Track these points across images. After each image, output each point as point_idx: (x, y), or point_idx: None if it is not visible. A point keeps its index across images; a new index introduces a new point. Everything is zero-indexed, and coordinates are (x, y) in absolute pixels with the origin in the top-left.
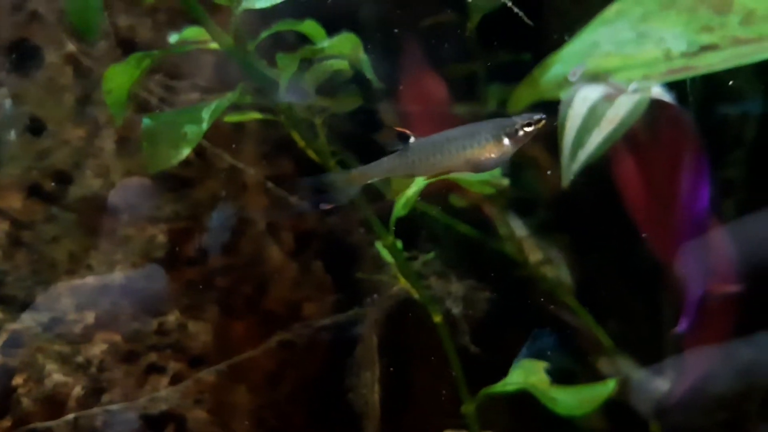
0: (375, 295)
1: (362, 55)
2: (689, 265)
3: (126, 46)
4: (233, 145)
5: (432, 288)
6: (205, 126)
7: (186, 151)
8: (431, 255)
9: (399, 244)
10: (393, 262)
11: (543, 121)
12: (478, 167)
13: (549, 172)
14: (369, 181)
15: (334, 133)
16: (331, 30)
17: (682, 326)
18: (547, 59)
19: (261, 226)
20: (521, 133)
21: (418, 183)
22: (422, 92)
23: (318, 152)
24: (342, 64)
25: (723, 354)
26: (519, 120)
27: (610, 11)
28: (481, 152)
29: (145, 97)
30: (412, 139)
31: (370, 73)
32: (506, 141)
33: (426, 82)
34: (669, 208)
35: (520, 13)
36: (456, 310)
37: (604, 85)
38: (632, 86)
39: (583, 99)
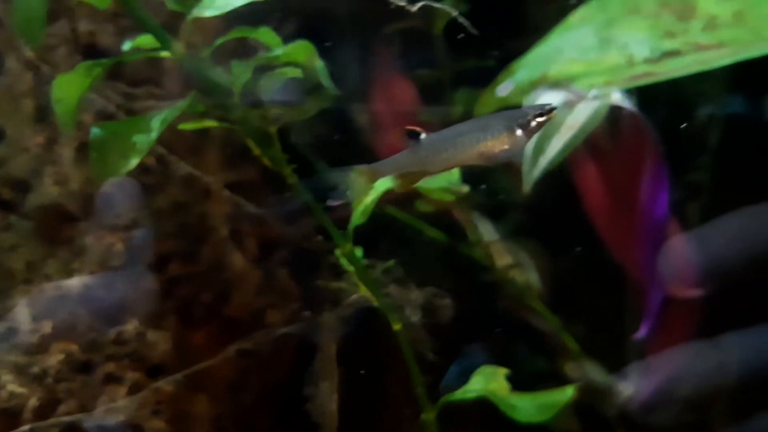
0: (335, 303)
1: (318, 63)
2: (649, 270)
3: (87, 52)
4: (196, 151)
5: (392, 296)
6: (154, 135)
7: (135, 161)
8: (391, 263)
9: (359, 251)
10: (352, 269)
11: (554, 111)
12: (491, 159)
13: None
14: (383, 178)
15: (308, 136)
16: (299, 35)
17: (642, 332)
18: (512, 65)
19: (224, 233)
20: (534, 123)
21: (377, 190)
22: (393, 96)
23: (273, 160)
24: (295, 72)
25: (687, 357)
26: (531, 110)
27: (575, 17)
28: (494, 144)
29: (104, 104)
30: (423, 135)
31: (326, 81)
32: (519, 132)
33: (396, 86)
34: (629, 214)
35: (466, 23)
36: (415, 318)
37: (564, 91)
38: (592, 93)
39: None
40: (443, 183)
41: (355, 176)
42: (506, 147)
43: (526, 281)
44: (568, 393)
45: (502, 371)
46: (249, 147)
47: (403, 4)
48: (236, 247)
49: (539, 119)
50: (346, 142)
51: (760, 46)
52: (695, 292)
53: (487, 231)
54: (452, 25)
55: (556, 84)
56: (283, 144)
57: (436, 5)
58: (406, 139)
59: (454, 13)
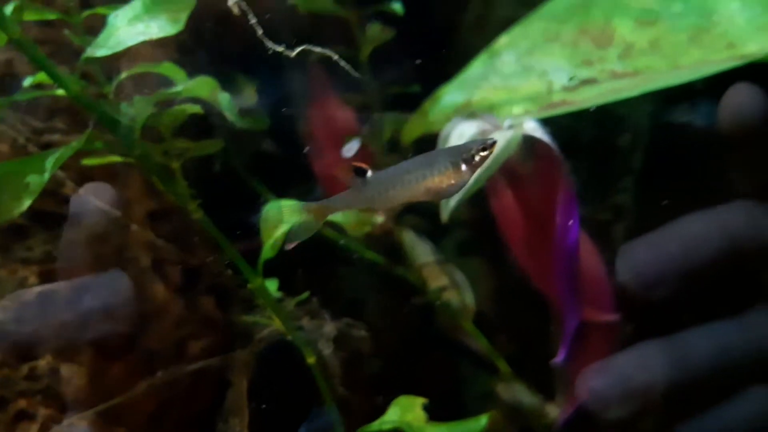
0: (247, 337)
1: (221, 97)
2: (564, 296)
3: (3, 81)
4: (118, 180)
5: (305, 329)
6: (47, 176)
7: (27, 203)
8: (305, 295)
9: (273, 284)
10: (265, 303)
11: (495, 144)
12: (438, 195)
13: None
14: (329, 216)
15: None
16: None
17: (559, 357)
18: (437, 91)
19: (145, 262)
20: (477, 158)
21: (287, 223)
22: (330, 119)
23: (177, 196)
24: (194, 108)
25: (608, 378)
26: (473, 145)
27: (499, 43)
28: (441, 180)
29: (14, 135)
30: (369, 173)
31: (232, 115)
32: (464, 167)
33: (334, 108)
34: (545, 242)
35: (347, 67)
36: (327, 351)
37: (479, 120)
38: (507, 122)
39: (459, 135)
40: (354, 216)
41: (304, 213)
42: (452, 182)
43: (462, 302)
44: (482, 422)
45: (419, 401)
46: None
47: (281, 49)
48: (158, 277)
49: (482, 153)
50: (287, 164)
51: (674, 75)
52: (612, 317)
53: (423, 252)
54: (380, 51)
55: (471, 114)
56: (223, 168)
57: (317, 49)
58: (352, 176)
59: (334, 56)
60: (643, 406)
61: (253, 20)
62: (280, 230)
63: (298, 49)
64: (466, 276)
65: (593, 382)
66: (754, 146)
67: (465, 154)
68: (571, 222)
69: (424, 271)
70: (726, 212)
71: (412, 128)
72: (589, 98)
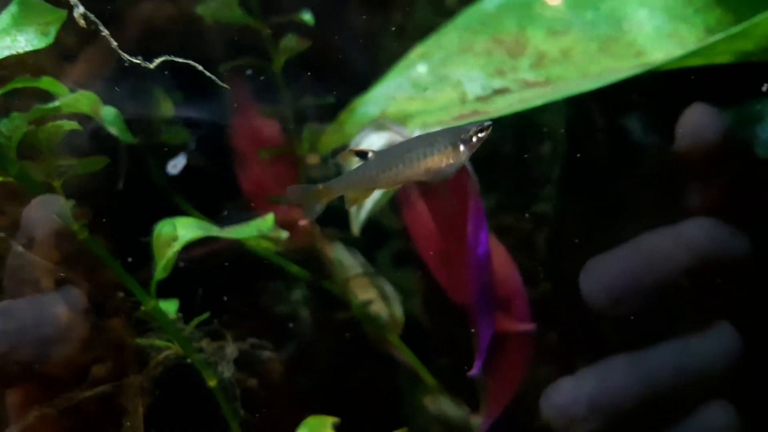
0: (143, 361)
1: (106, 111)
2: (478, 308)
3: None
4: (20, 198)
5: (205, 351)
6: None
7: None
8: (206, 315)
9: (173, 305)
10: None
11: (491, 127)
12: (437, 174)
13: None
14: (336, 196)
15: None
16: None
17: (475, 368)
18: (353, 102)
19: (47, 284)
20: (475, 139)
21: (180, 242)
22: (255, 131)
23: (60, 216)
24: (72, 125)
25: (572, 394)
26: (471, 127)
27: (414, 53)
28: (440, 159)
29: None
30: (370, 155)
31: (118, 130)
32: (462, 147)
33: (258, 120)
34: (457, 253)
35: (213, 77)
36: (228, 373)
37: (389, 131)
38: (416, 132)
39: (368, 146)
40: (253, 231)
41: (309, 195)
42: (451, 162)
43: (390, 315)
44: None
45: (329, 420)
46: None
47: (138, 61)
48: (62, 299)
49: (479, 135)
50: (212, 178)
51: (584, 83)
52: (528, 327)
53: (352, 265)
54: (295, 62)
55: (380, 125)
56: (143, 182)
57: (179, 60)
58: (353, 160)
59: (198, 67)
60: (607, 421)
61: (104, 32)
62: (173, 249)
63: (158, 61)
64: (401, 288)
65: (557, 399)
66: (712, 165)
67: (463, 135)
68: (480, 232)
69: (352, 284)
70: (687, 229)
71: (329, 139)
72: (501, 107)
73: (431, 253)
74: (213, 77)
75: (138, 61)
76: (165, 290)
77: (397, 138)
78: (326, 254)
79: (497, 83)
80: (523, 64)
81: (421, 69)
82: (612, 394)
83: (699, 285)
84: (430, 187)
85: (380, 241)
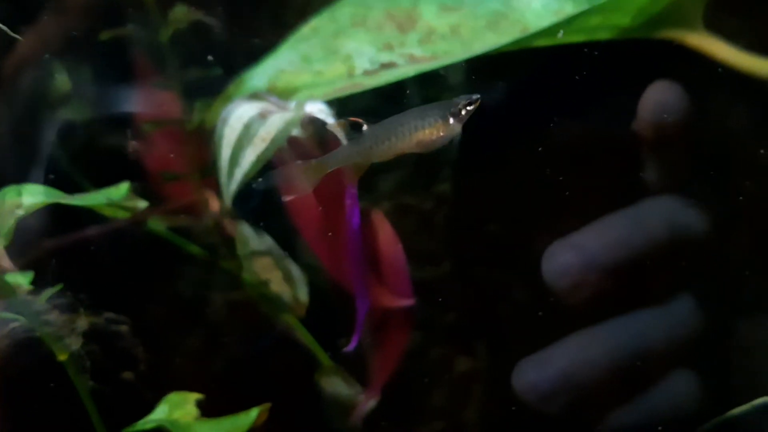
0: None
1: None
2: (355, 284)
3: None
4: None
5: (52, 323)
6: None
7: None
8: (60, 287)
9: (26, 278)
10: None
11: (479, 100)
12: (428, 146)
13: None
14: (328, 171)
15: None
16: None
17: (351, 345)
18: (243, 74)
19: None
20: (464, 112)
21: (26, 207)
22: (156, 106)
23: None
24: None
25: (546, 370)
26: (460, 101)
27: (307, 27)
28: (432, 132)
29: None
30: (365, 127)
31: None
32: (452, 120)
33: (158, 95)
34: (336, 229)
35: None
36: (76, 346)
37: (262, 101)
38: (292, 104)
39: (239, 116)
40: (102, 199)
41: (304, 170)
42: (441, 134)
43: (294, 296)
44: (252, 415)
45: (192, 397)
46: None
47: None
48: None
49: (468, 108)
50: (116, 157)
51: (460, 55)
52: (408, 302)
53: (257, 245)
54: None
55: (254, 95)
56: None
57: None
58: (349, 131)
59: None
60: (577, 395)
61: None
62: (16, 215)
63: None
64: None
65: (527, 376)
66: (673, 144)
67: (453, 108)
68: (354, 207)
69: (255, 264)
70: (647, 209)
71: (216, 111)
72: (387, 82)
73: (310, 227)
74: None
75: None
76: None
77: (271, 108)
78: (230, 234)
79: (385, 58)
80: (412, 40)
81: (313, 42)
82: (580, 368)
83: (659, 263)
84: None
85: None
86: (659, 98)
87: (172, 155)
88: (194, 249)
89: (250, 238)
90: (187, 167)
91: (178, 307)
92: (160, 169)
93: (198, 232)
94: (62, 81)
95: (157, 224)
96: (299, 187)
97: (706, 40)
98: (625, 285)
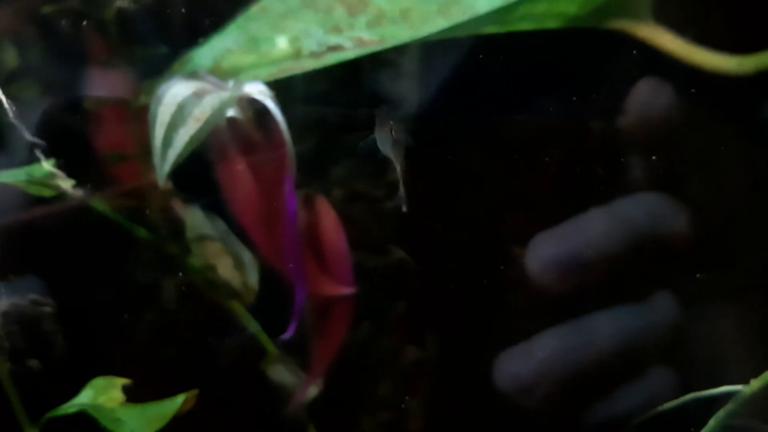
0: None
1: None
2: (293, 270)
3: None
4: None
5: None
6: None
7: None
8: None
9: None
10: None
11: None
12: None
13: None
14: None
15: None
16: None
17: (288, 332)
18: (188, 53)
19: None
20: None
21: None
22: (108, 84)
23: None
24: None
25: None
26: None
27: (256, 7)
28: None
29: None
30: None
31: None
32: None
33: (109, 73)
34: (274, 213)
35: None
36: None
37: (198, 80)
38: (230, 84)
39: (173, 95)
40: (23, 175)
41: None
42: None
43: (243, 283)
44: (177, 402)
45: (120, 381)
46: None
47: None
48: None
49: None
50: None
51: (402, 37)
52: (349, 290)
53: (207, 229)
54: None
55: (191, 74)
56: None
57: None
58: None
59: None
60: (558, 386)
61: None
62: None
63: None
64: None
65: (508, 368)
66: (660, 141)
67: None
68: (292, 192)
69: (203, 248)
70: (631, 205)
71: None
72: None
73: (248, 212)
74: None
75: None
76: None
77: (207, 87)
78: (179, 217)
79: (333, 40)
80: (361, 23)
81: (261, 22)
82: (560, 361)
83: (642, 258)
84: (249, 142)
85: None
86: (647, 95)
87: (119, 135)
88: (140, 232)
89: (200, 221)
90: (133, 148)
91: (118, 290)
92: (109, 150)
93: (145, 214)
94: (9, 55)
95: (101, 205)
96: None
97: (654, 32)
98: (607, 279)
